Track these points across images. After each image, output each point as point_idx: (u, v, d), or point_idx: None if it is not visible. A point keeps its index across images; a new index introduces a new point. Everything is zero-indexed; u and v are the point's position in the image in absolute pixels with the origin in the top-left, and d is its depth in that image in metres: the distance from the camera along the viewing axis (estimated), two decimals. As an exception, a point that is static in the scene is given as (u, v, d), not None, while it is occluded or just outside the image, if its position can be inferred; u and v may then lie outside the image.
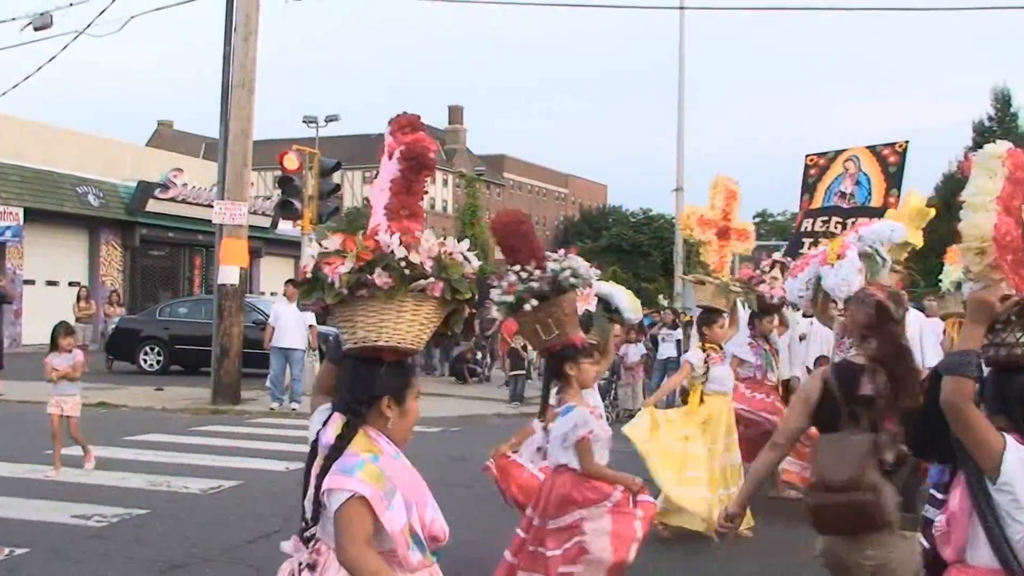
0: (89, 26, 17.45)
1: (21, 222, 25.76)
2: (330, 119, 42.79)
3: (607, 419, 6.30)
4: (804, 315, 10.09)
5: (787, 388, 9.79)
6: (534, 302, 5.35)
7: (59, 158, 28.67)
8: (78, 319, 21.65)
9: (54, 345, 10.11)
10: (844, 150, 13.16)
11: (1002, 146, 3.35)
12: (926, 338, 11.81)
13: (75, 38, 17.65)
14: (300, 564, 3.07)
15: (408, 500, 2.98)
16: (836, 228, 11.48)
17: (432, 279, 3.05)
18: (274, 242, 31.81)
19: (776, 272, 9.43)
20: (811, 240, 11.39)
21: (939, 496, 5.30)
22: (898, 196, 12.16)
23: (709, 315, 8.62)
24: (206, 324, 18.57)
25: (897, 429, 4.13)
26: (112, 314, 23.69)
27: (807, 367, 10.01)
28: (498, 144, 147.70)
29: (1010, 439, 3.08)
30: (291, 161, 17.80)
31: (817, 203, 13.10)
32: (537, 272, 5.40)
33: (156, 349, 21.84)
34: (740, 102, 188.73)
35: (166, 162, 34.10)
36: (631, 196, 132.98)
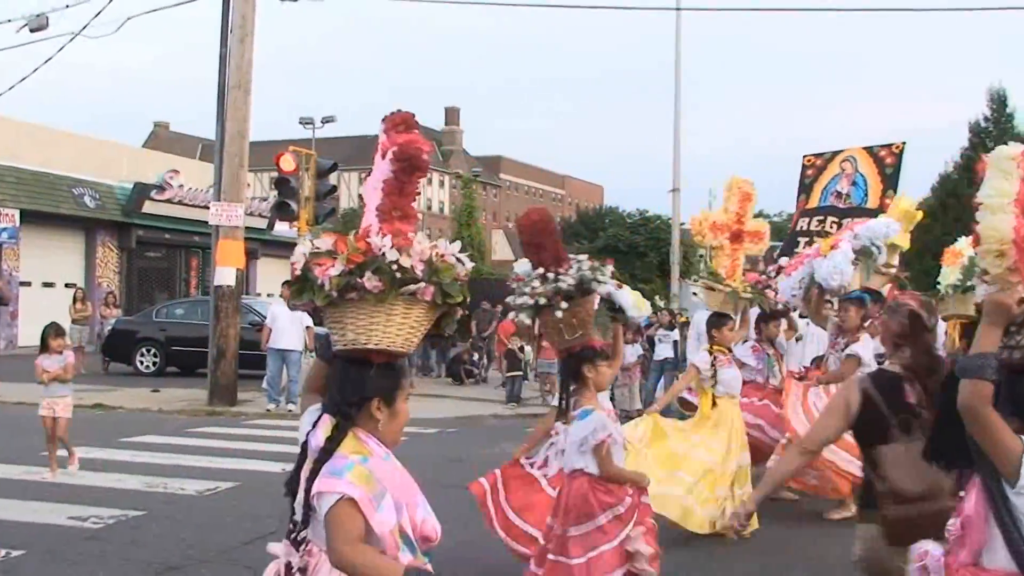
0: (85, 27, 17.49)
1: (17, 223, 25.75)
2: (326, 120, 42.77)
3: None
4: (800, 316, 10.11)
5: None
6: (564, 304, 5.36)
7: (55, 159, 28.64)
8: (74, 321, 21.59)
9: (44, 346, 9.98)
10: (841, 151, 13.18)
11: (1016, 147, 3.28)
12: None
13: (71, 39, 17.68)
14: (290, 566, 3.05)
15: (398, 501, 2.97)
16: (831, 227, 11.51)
17: (423, 283, 3.03)
18: (270, 243, 31.79)
19: (781, 276, 9.42)
20: (806, 239, 11.41)
21: None
22: (894, 197, 12.17)
23: (719, 318, 8.58)
24: (202, 325, 18.51)
25: None
26: (108, 316, 23.64)
27: (803, 367, 10.04)
28: (494, 145, 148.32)
29: None
30: (287, 162, 17.78)
31: (814, 203, 13.12)
32: (562, 273, 5.42)
33: (152, 351, 21.80)
34: (737, 103, 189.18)
35: (162, 163, 34.07)
36: (627, 197, 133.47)
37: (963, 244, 10.94)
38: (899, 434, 4.23)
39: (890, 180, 12.35)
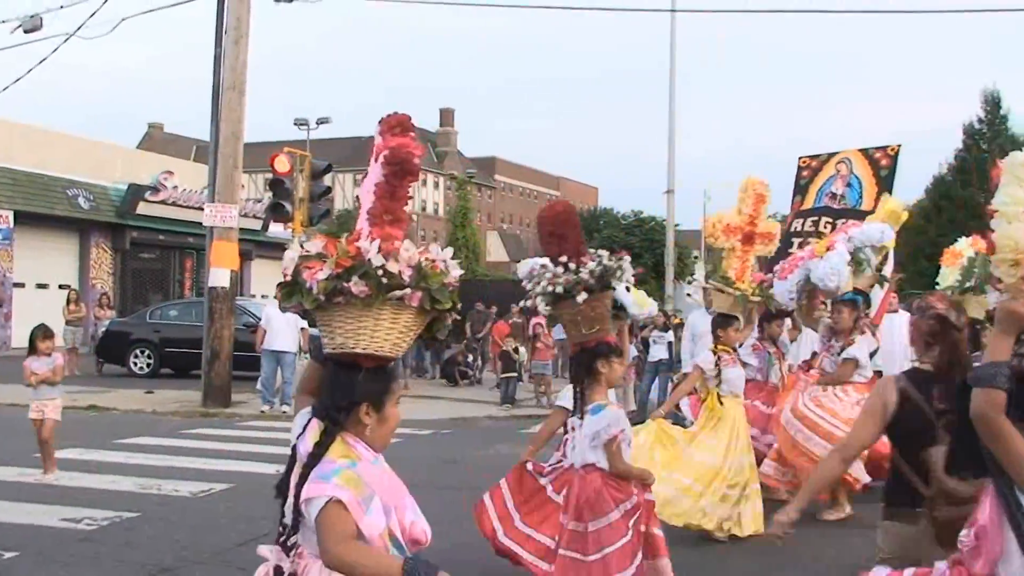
0: (80, 28, 17.45)
1: (11, 225, 25.69)
2: (321, 121, 42.80)
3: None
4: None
5: None
6: (584, 295, 5.36)
7: (49, 160, 28.61)
8: (68, 322, 21.58)
9: (32, 349, 9.84)
10: (837, 153, 13.16)
11: None
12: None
13: (65, 40, 17.66)
14: (280, 570, 3.05)
15: (387, 505, 2.97)
16: (825, 228, 11.49)
17: (409, 289, 3.02)
18: (265, 244, 31.80)
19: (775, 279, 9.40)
20: (800, 240, 11.40)
21: None
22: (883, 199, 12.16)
23: (724, 318, 8.57)
24: (196, 327, 18.51)
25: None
26: (102, 317, 23.62)
27: (798, 366, 10.03)
28: (489, 146, 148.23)
29: None
30: (282, 164, 17.78)
31: (809, 204, 13.10)
32: (584, 265, 5.42)
33: (146, 352, 21.79)
34: (731, 104, 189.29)
35: (157, 164, 34.05)
36: (622, 198, 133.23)
37: (963, 245, 10.96)
38: (944, 435, 4.22)
39: (885, 182, 12.33)
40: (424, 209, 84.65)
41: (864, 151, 12.70)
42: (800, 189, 13.35)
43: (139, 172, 32.04)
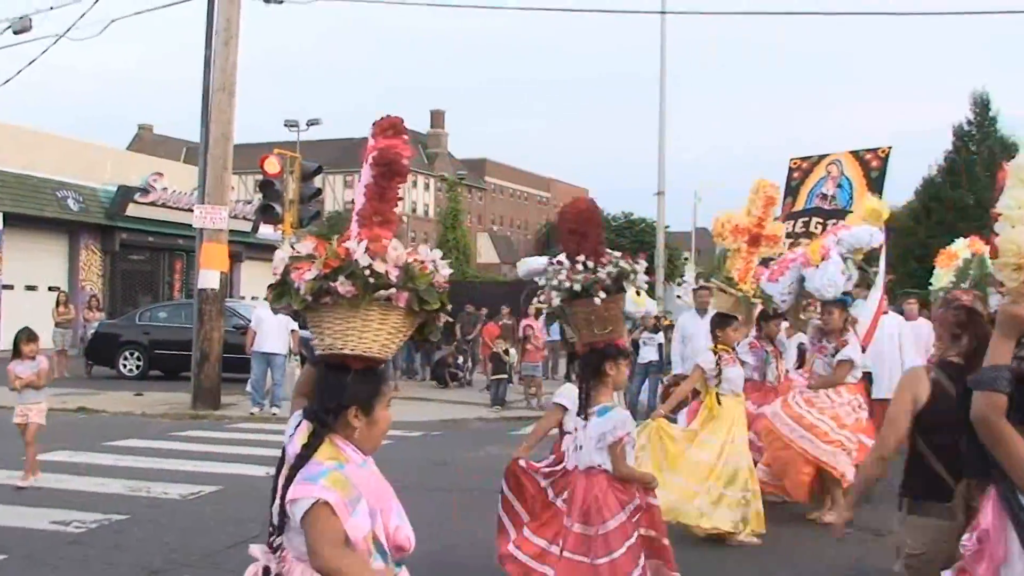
0: (69, 29, 17.40)
1: (0, 226, 25.59)
2: (311, 123, 42.73)
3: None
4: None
5: None
6: (602, 295, 5.35)
7: (39, 162, 28.51)
8: (57, 324, 21.51)
9: (16, 352, 9.70)
10: (827, 154, 13.19)
11: None
12: (905, 340, 11.90)
13: (55, 41, 17.59)
14: (268, 570, 3.03)
15: (373, 508, 2.96)
16: (816, 228, 11.52)
17: (395, 290, 3.01)
18: (255, 246, 31.69)
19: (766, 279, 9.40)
20: (791, 241, 11.41)
21: None
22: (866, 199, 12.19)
23: (724, 318, 8.55)
24: (186, 329, 18.45)
25: None
26: (91, 319, 23.52)
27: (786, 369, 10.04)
28: (479, 148, 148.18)
29: None
30: (272, 165, 17.73)
31: (799, 205, 13.13)
32: (601, 265, 5.42)
33: (136, 354, 21.71)
34: (722, 107, 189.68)
35: (146, 166, 33.97)
36: (613, 200, 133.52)
37: (960, 246, 10.97)
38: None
39: (875, 184, 12.36)
40: (414, 211, 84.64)
41: (855, 153, 12.73)
42: (791, 190, 13.38)
43: (129, 173, 31.95)
